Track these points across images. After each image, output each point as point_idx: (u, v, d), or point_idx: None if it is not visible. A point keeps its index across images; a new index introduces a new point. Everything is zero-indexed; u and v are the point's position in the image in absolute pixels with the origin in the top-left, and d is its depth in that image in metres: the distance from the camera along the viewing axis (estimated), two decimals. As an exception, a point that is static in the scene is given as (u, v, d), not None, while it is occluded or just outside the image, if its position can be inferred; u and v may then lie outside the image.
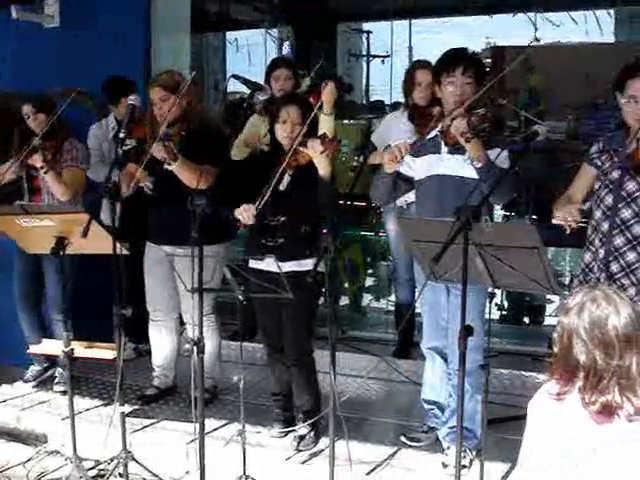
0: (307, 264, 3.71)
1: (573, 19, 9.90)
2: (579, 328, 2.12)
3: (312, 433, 3.95)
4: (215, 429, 4.12)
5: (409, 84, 4.71)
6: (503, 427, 3.91)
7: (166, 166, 3.99)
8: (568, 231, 3.14)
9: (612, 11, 10.41)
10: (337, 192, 3.67)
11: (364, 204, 5.65)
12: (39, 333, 4.68)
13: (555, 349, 2.19)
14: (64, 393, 4.42)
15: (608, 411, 2.11)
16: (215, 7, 9.91)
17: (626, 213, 3.17)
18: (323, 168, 3.62)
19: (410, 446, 3.93)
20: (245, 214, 3.64)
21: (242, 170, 4.02)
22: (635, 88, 3.12)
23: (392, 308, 5.60)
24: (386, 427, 4.26)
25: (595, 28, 10.27)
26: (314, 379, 3.98)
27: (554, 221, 3.15)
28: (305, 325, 3.88)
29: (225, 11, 10.19)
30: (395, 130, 4.65)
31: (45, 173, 4.36)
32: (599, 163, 3.32)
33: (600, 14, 10.28)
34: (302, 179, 3.73)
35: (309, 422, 3.92)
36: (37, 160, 4.33)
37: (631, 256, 3.15)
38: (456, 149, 3.50)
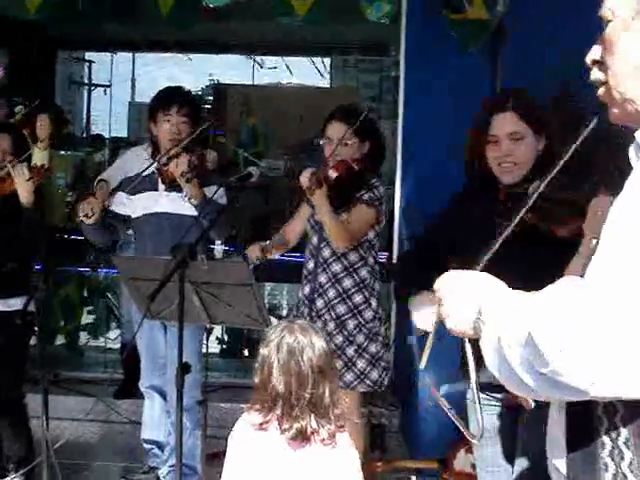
0: (15, 304, 3.52)
1: (288, 65, 10.42)
2: (277, 359, 2.22)
3: (24, 483, 3.73)
4: None
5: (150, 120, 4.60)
6: (223, 461, 3.95)
7: None
8: (251, 266, 3.31)
9: (328, 59, 11.13)
10: (40, 223, 3.53)
11: (82, 239, 5.49)
12: None
13: (256, 380, 2.28)
14: None
15: (303, 437, 2.22)
16: None
17: (326, 252, 3.37)
18: (25, 197, 3.47)
19: (130, 488, 3.86)
20: None
21: None
22: (330, 130, 3.39)
23: (111, 346, 5.47)
24: (106, 470, 4.16)
25: (313, 73, 10.92)
26: (25, 426, 3.75)
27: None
28: (14, 369, 3.66)
29: None
30: (136, 166, 4.52)
31: None
32: (312, 203, 3.50)
33: (318, 60, 10.95)
34: (8, 213, 3.54)
35: (21, 472, 3.69)
36: None
37: (331, 293, 3.35)
38: (173, 187, 3.54)
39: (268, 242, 3.43)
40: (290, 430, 2.21)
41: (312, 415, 2.21)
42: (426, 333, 2.29)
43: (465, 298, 1.40)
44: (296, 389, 2.20)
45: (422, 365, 1.70)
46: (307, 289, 3.41)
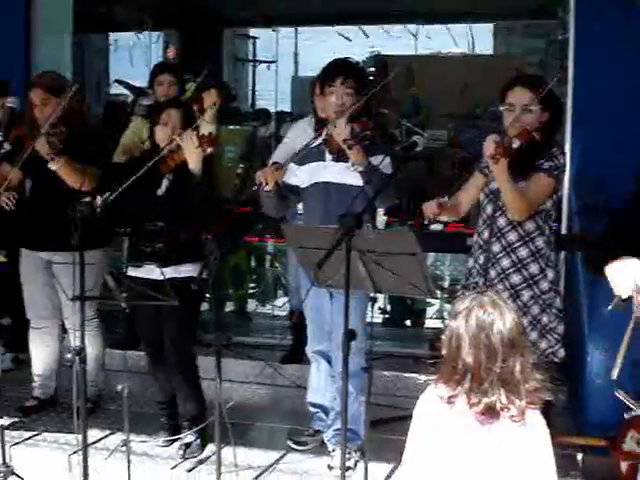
0: (187, 270, 3.71)
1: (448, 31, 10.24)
2: (466, 332, 2.20)
3: (198, 440, 3.92)
4: (99, 440, 4.03)
5: (312, 95, 4.72)
6: (386, 428, 4.00)
7: (49, 165, 3.87)
8: (426, 221, 3.29)
9: (491, 25, 10.85)
10: (210, 192, 3.68)
11: (249, 209, 5.68)
12: None
13: (443, 352, 2.27)
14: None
15: (492, 412, 2.19)
16: (98, 8, 9.70)
17: (502, 221, 3.30)
18: (194, 165, 3.61)
19: (296, 450, 3.97)
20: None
21: (124, 174, 3.95)
22: (512, 97, 3.29)
23: (277, 313, 5.63)
24: (272, 432, 4.28)
25: (475, 41, 10.68)
26: (198, 386, 3.96)
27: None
28: (186, 332, 3.86)
29: (109, 12, 10.00)
30: (300, 139, 4.64)
31: None
32: (487, 172, 3.42)
33: (480, 27, 10.69)
34: (180, 184, 3.71)
35: (195, 430, 3.89)
36: None
37: (505, 262, 3.28)
38: (340, 157, 3.58)
39: (447, 198, 3.35)
40: (479, 405, 2.18)
41: (502, 390, 2.17)
42: (623, 300, 2.20)
43: None
44: (485, 363, 2.17)
45: (614, 375, 1.61)
46: (481, 258, 3.36)
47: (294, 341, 5.05)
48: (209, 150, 3.64)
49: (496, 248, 3.30)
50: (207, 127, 4.37)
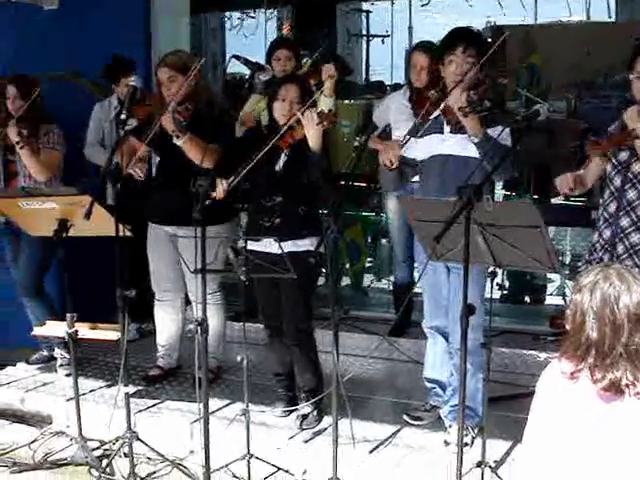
0: (304, 244, 3.73)
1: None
2: (591, 306, 2.14)
3: (315, 412, 3.97)
4: (219, 409, 4.14)
5: (408, 66, 4.71)
6: (504, 405, 3.94)
7: (174, 140, 3.97)
8: (562, 198, 3.18)
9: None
10: (328, 167, 3.68)
11: (365, 184, 5.66)
12: (44, 315, 4.65)
13: (567, 326, 2.21)
14: (68, 375, 4.45)
15: (616, 388, 2.13)
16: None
17: (632, 194, 3.17)
18: (314, 141, 3.60)
19: (412, 424, 3.95)
20: (218, 188, 3.62)
21: (241, 148, 4.01)
22: None
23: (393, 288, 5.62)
24: (388, 406, 4.28)
25: (596, 7, 10.25)
26: (315, 358, 3.99)
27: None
28: (304, 305, 3.88)
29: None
30: (394, 110, 4.66)
31: (21, 148, 4.30)
32: None
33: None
34: (298, 159, 3.72)
35: (312, 401, 3.94)
36: (12, 133, 4.30)
37: (635, 237, 3.16)
38: (458, 129, 3.51)
39: (582, 170, 3.25)
40: (602, 380, 2.13)
41: (628, 366, 2.11)
42: None
43: None
44: (610, 338, 2.12)
45: None
46: (607, 233, 3.24)
47: (399, 315, 5.02)
48: (329, 126, 3.64)
49: (625, 222, 3.17)
50: (326, 101, 4.36)
